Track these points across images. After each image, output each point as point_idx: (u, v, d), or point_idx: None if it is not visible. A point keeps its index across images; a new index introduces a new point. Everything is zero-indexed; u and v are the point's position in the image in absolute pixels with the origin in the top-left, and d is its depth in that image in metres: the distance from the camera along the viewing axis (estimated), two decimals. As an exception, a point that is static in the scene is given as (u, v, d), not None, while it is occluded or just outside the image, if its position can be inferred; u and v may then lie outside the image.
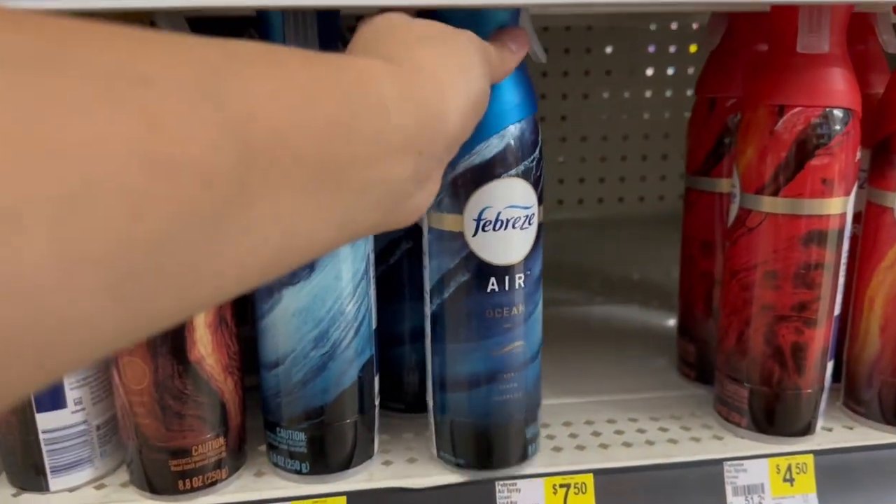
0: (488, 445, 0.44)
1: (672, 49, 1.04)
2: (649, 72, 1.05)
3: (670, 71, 1.05)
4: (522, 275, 0.42)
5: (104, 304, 0.16)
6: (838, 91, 0.43)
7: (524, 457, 0.45)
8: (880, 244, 0.48)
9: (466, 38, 0.32)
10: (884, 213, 0.47)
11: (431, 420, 0.45)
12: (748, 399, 0.48)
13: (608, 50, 1.03)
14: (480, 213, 0.40)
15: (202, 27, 0.41)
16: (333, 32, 0.40)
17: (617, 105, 1.05)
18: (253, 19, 0.40)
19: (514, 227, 0.41)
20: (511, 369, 0.43)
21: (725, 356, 0.49)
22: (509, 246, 0.41)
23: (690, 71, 1.05)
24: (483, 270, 0.41)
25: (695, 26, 1.03)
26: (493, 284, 0.41)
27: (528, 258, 0.42)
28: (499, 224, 0.40)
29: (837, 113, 0.43)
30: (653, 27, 1.03)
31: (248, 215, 0.20)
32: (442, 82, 0.29)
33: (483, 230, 0.40)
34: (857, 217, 0.51)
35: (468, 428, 0.44)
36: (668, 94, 1.05)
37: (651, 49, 1.04)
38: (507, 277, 0.41)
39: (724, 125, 0.52)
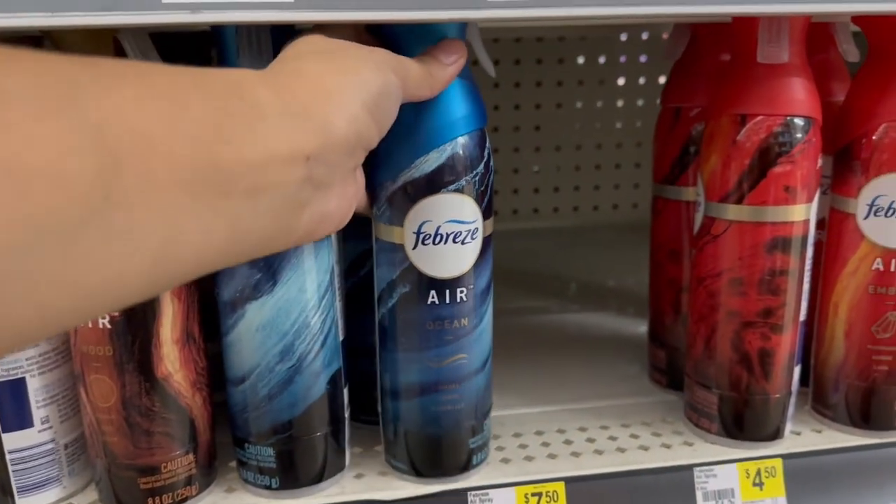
0: (433, 454, 0.44)
1: (643, 59, 1.05)
2: (621, 81, 1.06)
3: (642, 80, 1.06)
4: (465, 288, 0.41)
5: None
6: (799, 100, 0.44)
7: (469, 466, 0.45)
8: (843, 250, 0.48)
9: (366, 50, 0.32)
10: (846, 219, 0.48)
11: (381, 427, 0.46)
12: (717, 405, 0.48)
13: (580, 60, 1.04)
14: (420, 227, 0.40)
15: (168, 44, 0.41)
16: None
17: (590, 114, 1.06)
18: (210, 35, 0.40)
19: (454, 241, 0.41)
20: (454, 381, 0.43)
21: (694, 363, 0.49)
22: (449, 260, 0.41)
23: (661, 80, 1.06)
24: (423, 283, 0.41)
25: (665, 36, 1.04)
26: (433, 297, 0.41)
27: (473, 272, 0.42)
28: (438, 238, 0.40)
29: (798, 121, 0.44)
30: (623, 37, 1.04)
31: (117, 220, 0.20)
32: (326, 88, 0.29)
33: (423, 244, 0.40)
34: (821, 223, 0.52)
35: (413, 436, 0.44)
36: (640, 103, 1.06)
37: (622, 59, 1.05)
38: (447, 291, 0.41)
39: (689, 134, 0.53)
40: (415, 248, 0.40)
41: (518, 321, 0.73)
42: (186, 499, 0.43)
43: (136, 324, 0.39)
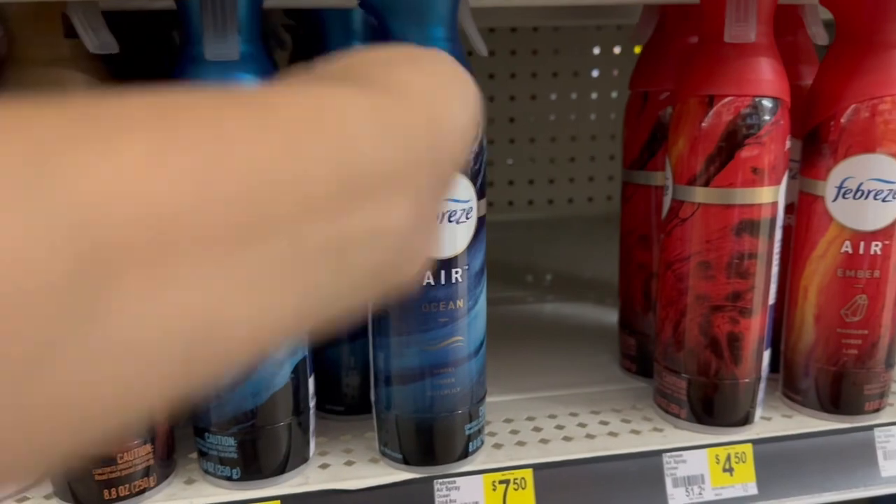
0: (428, 441, 0.43)
1: (617, 50, 1.05)
2: (595, 73, 1.05)
3: (615, 72, 1.06)
4: (460, 269, 0.41)
5: None
6: (767, 80, 0.44)
7: (466, 453, 0.44)
8: (812, 233, 0.48)
9: (456, 66, 0.27)
10: (815, 202, 0.47)
11: (374, 415, 0.45)
12: (686, 390, 0.48)
13: (554, 51, 1.03)
14: None
15: (119, 20, 0.40)
16: (257, 20, 0.39)
17: (564, 106, 1.06)
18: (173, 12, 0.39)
19: (450, 220, 0.40)
20: (450, 364, 0.42)
21: (663, 348, 0.49)
22: (445, 239, 0.40)
23: (636, 71, 1.06)
24: None
25: (639, 27, 1.04)
26: (428, 278, 0.41)
27: (467, 253, 0.41)
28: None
29: (766, 102, 0.44)
30: (597, 27, 1.04)
31: (105, 314, 0.15)
32: (434, 101, 0.23)
33: None
34: (790, 208, 0.52)
35: (409, 423, 0.43)
36: (614, 95, 1.06)
37: (596, 51, 1.05)
38: (443, 271, 0.41)
39: (658, 119, 0.53)
40: None
41: (493, 311, 0.72)
42: (144, 490, 0.42)
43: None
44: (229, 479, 0.42)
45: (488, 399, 0.49)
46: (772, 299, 0.47)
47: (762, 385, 0.48)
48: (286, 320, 0.18)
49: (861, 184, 0.45)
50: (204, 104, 0.17)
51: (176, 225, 0.15)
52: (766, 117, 0.43)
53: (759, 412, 0.49)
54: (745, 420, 0.48)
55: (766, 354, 0.48)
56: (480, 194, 0.41)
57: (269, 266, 0.17)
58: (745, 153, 0.44)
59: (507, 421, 0.50)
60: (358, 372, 0.50)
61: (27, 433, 0.14)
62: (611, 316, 0.70)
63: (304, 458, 0.44)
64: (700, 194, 0.45)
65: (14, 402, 0.14)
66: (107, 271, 0.14)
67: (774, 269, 0.46)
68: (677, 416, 0.48)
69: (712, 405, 0.47)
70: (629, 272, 0.57)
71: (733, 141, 0.43)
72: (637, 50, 1.04)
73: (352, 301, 0.21)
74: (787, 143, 0.45)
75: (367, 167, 0.20)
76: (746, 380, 0.47)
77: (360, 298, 0.22)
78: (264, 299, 0.17)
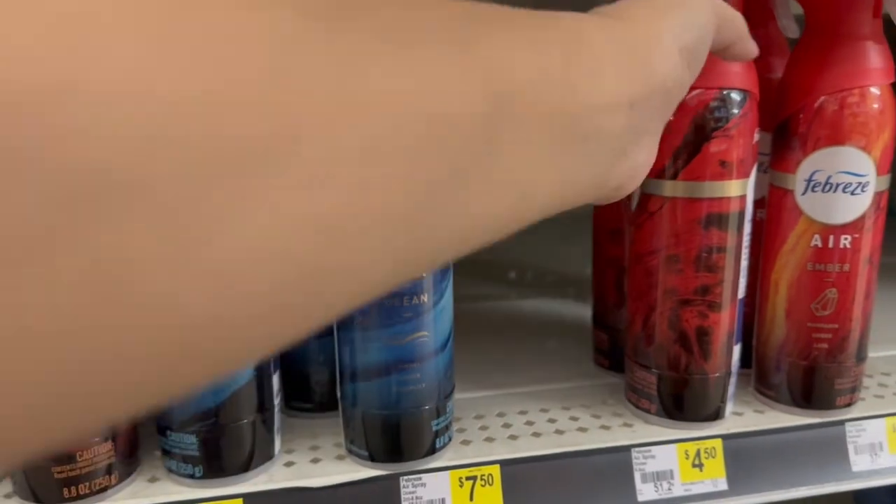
0: (395, 437, 0.43)
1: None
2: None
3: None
4: None
5: (374, 256, 0.17)
6: (734, 73, 0.43)
7: (433, 449, 0.44)
8: (783, 227, 0.48)
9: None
10: (785, 195, 0.47)
11: (341, 412, 0.44)
12: (657, 385, 0.47)
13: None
14: None
15: None
16: None
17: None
18: None
19: None
20: (416, 359, 0.42)
21: (633, 342, 0.48)
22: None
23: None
24: None
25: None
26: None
27: None
28: None
29: (734, 95, 0.43)
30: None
31: (494, 168, 0.20)
32: (650, 33, 0.28)
33: None
34: (760, 202, 0.51)
35: (375, 419, 0.43)
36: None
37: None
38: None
39: (629, 112, 0.52)
40: None
41: (468, 308, 0.72)
42: (105, 488, 0.41)
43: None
44: (192, 477, 0.42)
45: (459, 395, 0.49)
46: (741, 293, 0.47)
47: (733, 380, 0.48)
48: (553, 196, 0.24)
49: (830, 177, 0.45)
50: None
51: (536, 96, 0.21)
52: (734, 110, 0.43)
53: (730, 407, 0.48)
54: (716, 415, 0.48)
55: (737, 349, 0.48)
56: None
57: (555, 146, 0.23)
58: (713, 146, 0.43)
59: (478, 417, 0.50)
60: (325, 368, 0.49)
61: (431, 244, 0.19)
62: (586, 311, 0.70)
63: (269, 456, 0.44)
64: (668, 188, 0.44)
65: (440, 214, 0.18)
66: (505, 120, 0.20)
67: (743, 263, 0.46)
68: (648, 411, 0.48)
69: (682, 400, 0.47)
70: (601, 267, 0.56)
71: (701, 134, 0.43)
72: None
73: (581, 192, 0.26)
74: (756, 136, 0.45)
75: (602, 80, 0.25)
76: (716, 374, 0.47)
77: (585, 194, 0.27)
78: (551, 172, 0.23)
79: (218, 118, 0.13)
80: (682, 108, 0.43)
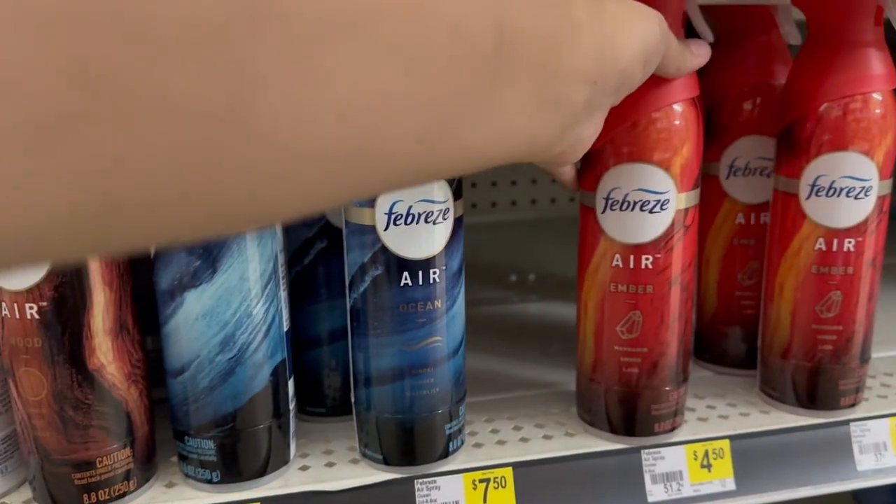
0: (409, 441, 0.44)
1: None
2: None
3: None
4: (437, 269, 0.41)
5: (410, 147, 0.20)
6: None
7: (446, 452, 0.44)
8: (787, 231, 0.49)
9: (651, 10, 0.34)
10: (789, 199, 0.48)
11: (355, 416, 0.45)
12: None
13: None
14: (391, 207, 0.40)
15: None
16: None
17: (546, 106, 1.06)
18: None
19: (426, 221, 0.40)
20: (429, 364, 0.42)
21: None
22: (422, 240, 0.41)
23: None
24: (395, 264, 0.41)
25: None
26: (406, 279, 0.41)
27: (445, 253, 0.41)
28: (410, 218, 0.40)
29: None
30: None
31: (491, 99, 0.23)
32: (621, 25, 0.31)
33: (395, 224, 0.40)
34: (766, 206, 0.52)
35: (388, 423, 0.43)
36: (596, 94, 1.06)
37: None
38: (420, 272, 0.41)
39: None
40: (386, 228, 0.40)
41: (476, 312, 0.72)
42: (124, 494, 0.42)
43: (66, 314, 0.38)
44: (209, 482, 0.42)
45: (470, 399, 0.50)
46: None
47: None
48: (522, 143, 0.27)
49: (834, 181, 0.46)
50: None
51: (531, 45, 0.25)
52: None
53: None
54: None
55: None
56: (457, 195, 0.41)
57: (534, 97, 0.26)
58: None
59: (488, 420, 0.50)
60: (338, 373, 0.50)
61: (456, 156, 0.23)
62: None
63: (285, 461, 0.44)
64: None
65: (463, 126, 0.22)
66: (507, 57, 0.23)
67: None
68: (656, 413, 0.49)
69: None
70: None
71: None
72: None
73: (538, 147, 0.29)
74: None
75: (579, 52, 0.28)
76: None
77: (539, 153, 0.30)
78: (527, 118, 0.26)
79: None
80: None
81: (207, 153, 0.15)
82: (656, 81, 0.39)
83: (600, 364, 0.47)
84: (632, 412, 0.46)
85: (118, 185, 0.14)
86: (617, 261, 0.44)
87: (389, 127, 0.19)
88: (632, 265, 0.44)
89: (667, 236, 0.43)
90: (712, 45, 0.42)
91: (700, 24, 0.43)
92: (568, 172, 0.43)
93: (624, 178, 0.43)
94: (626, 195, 0.43)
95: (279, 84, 0.15)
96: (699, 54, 0.40)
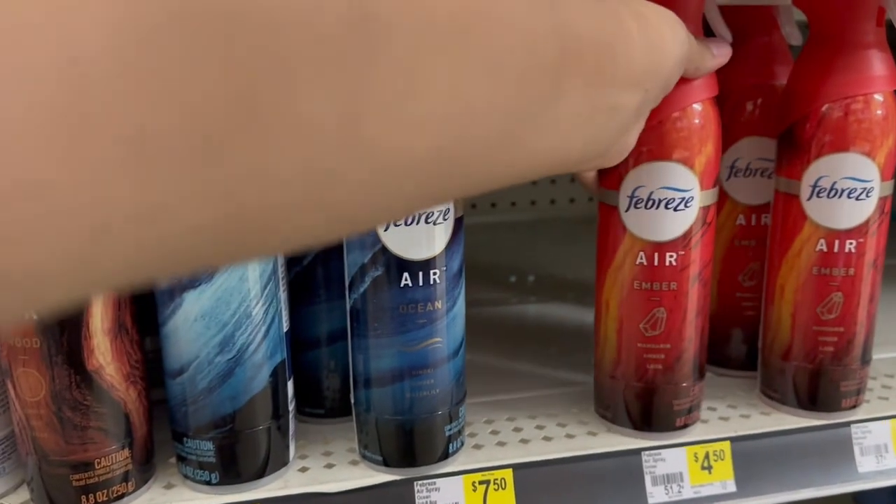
0: (408, 442, 0.43)
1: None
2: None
3: (597, 73, 1.06)
4: (437, 270, 0.41)
5: (488, 153, 0.21)
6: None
7: (446, 454, 0.44)
8: (788, 232, 0.48)
9: (673, 14, 0.35)
10: (790, 201, 0.48)
11: (354, 417, 0.45)
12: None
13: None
14: None
15: None
16: None
17: (546, 107, 1.06)
18: None
19: (427, 221, 0.40)
20: (429, 365, 0.42)
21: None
22: (422, 241, 0.40)
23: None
24: (395, 265, 0.40)
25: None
26: (406, 279, 0.41)
27: (445, 254, 0.41)
28: (410, 219, 0.40)
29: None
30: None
31: (554, 111, 0.23)
32: (662, 33, 0.32)
33: (395, 224, 0.40)
34: (767, 207, 0.52)
35: (388, 425, 0.43)
36: (596, 95, 1.06)
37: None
38: (420, 273, 0.41)
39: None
40: (386, 229, 0.40)
41: (476, 312, 0.72)
42: (123, 495, 0.41)
43: (65, 314, 0.38)
44: (208, 483, 0.42)
45: (470, 400, 0.50)
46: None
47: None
48: (579, 152, 0.28)
49: (835, 182, 0.46)
50: None
51: (591, 59, 0.25)
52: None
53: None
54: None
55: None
56: None
57: (592, 107, 0.26)
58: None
59: (488, 422, 0.50)
60: (338, 374, 0.50)
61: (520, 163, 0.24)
62: (586, 315, 0.70)
63: (284, 462, 0.44)
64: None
65: (527, 135, 0.22)
66: (569, 71, 0.23)
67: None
68: (656, 414, 0.49)
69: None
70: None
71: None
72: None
73: (593, 154, 0.30)
74: None
75: (633, 60, 0.28)
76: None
77: (594, 157, 0.31)
78: (583, 127, 0.27)
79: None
80: None
81: (325, 164, 0.16)
82: (681, 81, 0.39)
83: (622, 362, 0.47)
84: (654, 408, 0.47)
85: (258, 193, 0.15)
86: (641, 258, 0.44)
87: (474, 135, 0.20)
88: (656, 262, 0.44)
89: (690, 233, 0.44)
90: (731, 45, 0.42)
91: (719, 24, 0.43)
92: (591, 173, 0.44)
93: (649, 177, 0.43)
94: (650, 193, 0.43)
95: (383, 99, 0.16)
96: (719, 54, 0.40)
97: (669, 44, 0.32)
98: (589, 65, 0.25)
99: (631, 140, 0.34)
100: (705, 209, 0.44)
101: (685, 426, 0.48)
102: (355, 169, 0.17)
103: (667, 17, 0.33)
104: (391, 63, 0.16)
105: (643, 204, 0.44)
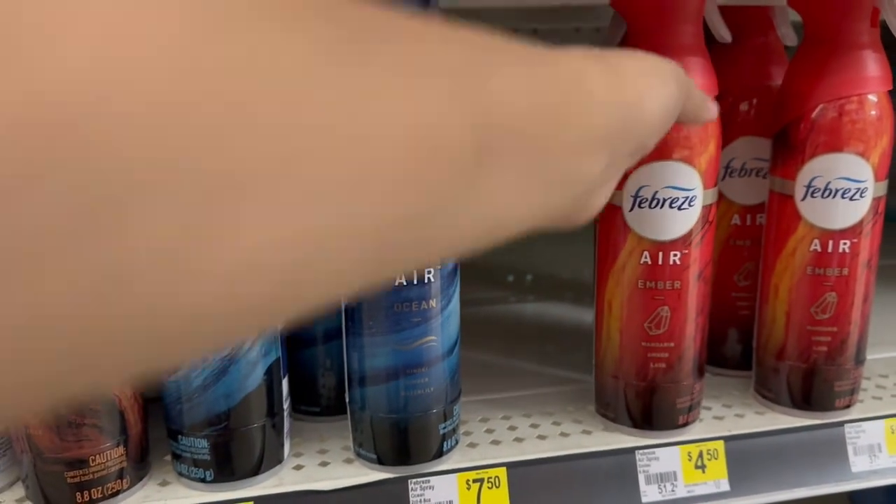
0: (403, 441, 0.44)
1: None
2: (574, 74, 1.05)
3: (595, 72, 1.06)
4: (433, 269, 0.41)
5: (352, 278, 0.18)
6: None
7: (440, 452, 0.44)
8: (782, 232, 0.49)
9: (668, 63, 0.33)
10: (784, 201, 0.48)
11: (349, 415, 0.45)
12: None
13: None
14: None
15: None
16: None
17: (544, 107, 1.05)
18: None
19: None
20: (423, 364, 0.42)
21: (636, 347, 0.49)
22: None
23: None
24: None
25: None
26: (400, 278, 0.41)
27: None
28: None
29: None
30: (575, 29, 1.04)
31: (473, 201, 0.21)
32: (640, 89, 0.29)
33: None
34: (761, 207, 0.52)
35: (383, 423, 0.43)
36: (594, 95, 1.06)
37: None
38: (415, 271, 0.41)
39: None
40: None
41: (472, 312, 0.72)
42: (118, 492, 0.42)
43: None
44: (203, 480, 0.42)
45: (465, 398, 0.50)
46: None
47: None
48: (527, 222, 0.25)
49: (829, 182, 0.46)
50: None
51: (526, 134, 0.22)
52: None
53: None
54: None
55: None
56: None
57: (536, 178, 0.24)
58: (714, 153, 0.44)
59: (483, 420, 0.50)
60: (333, 373, 0.50)
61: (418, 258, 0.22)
62: (589, 315, 0.71)
63: (279, 460, 0.44)
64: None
65: (434, 231, 0.20)
66: (493, 154, 0.21)
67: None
68: (650, 413, 0.49)
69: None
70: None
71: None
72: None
73: (549, 219, 0.27)
74: None
75: (594, 125, 0.26)
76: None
77: (550, 222, 0.28)
78: (528, 200, 0.24)
79: (231, 139, 0.14)
80: None
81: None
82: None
83: (625, 361, 0.47)
84: (657, 406, 0.47)
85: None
86: (645, 258, 0.45)
87: (335, 250, 0.17)
88: (660, 261, 0.45)
89: (693, 232, 0.44)
90: (722, 45, 0.41)
91: (718, 24, 0.43)
92: None
93: (653, 176, 0.43)
94: (655, 193, 0.43)
95: (162, 254, 0.14)
96: (714, 109, 0.38)
97: (649, 101, 0.30)
98: (527, 143, 0.23)
99: (599, 202, 0.31)
100: (707, 208, 0.45)
101: (686, 424, 0.48)
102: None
103: (654, 69, 0.31)
104: (166, 217, 0.14)
105: (647, 203, 0.44)
